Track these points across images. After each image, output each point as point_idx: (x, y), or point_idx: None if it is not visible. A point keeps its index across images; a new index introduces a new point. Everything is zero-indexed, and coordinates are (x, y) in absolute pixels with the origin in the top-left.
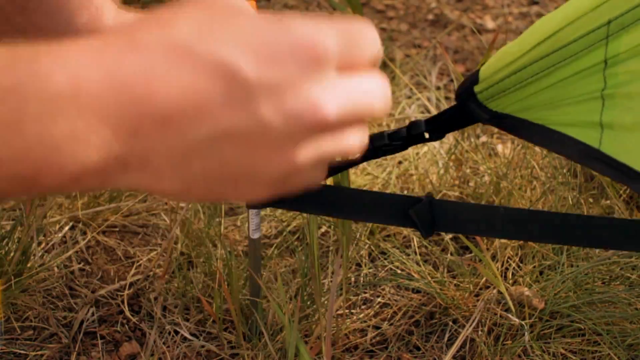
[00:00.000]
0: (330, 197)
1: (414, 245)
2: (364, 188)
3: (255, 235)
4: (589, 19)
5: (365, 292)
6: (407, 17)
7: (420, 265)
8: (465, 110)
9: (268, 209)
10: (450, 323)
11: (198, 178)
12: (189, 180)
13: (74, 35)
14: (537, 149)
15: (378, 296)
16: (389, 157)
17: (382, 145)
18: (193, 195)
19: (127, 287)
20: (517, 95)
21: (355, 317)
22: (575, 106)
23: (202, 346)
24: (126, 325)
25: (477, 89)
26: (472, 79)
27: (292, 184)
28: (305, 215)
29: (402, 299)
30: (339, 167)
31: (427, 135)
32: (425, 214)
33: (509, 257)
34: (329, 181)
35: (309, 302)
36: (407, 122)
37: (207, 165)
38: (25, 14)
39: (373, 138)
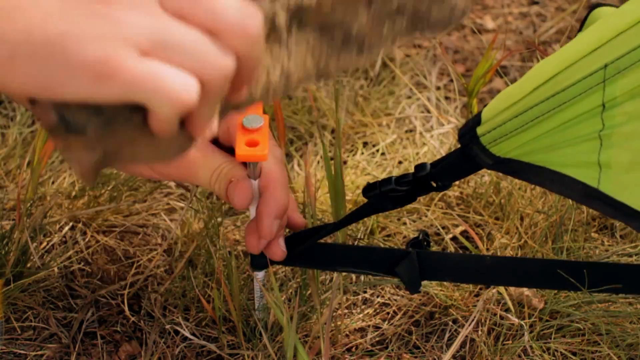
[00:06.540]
0: (321, 253)
1: None
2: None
3: (259, 303)
4: (586, 62)
5: (365, 292)
6: None
7: None
8: (469, 154)
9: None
10: (450, 323)
11: None
12: None
13: None
14: None
15: (378, 296)
16: (388, 157)
17: (389, 190)
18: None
19: (127, 287)
20: (519, 140)
21: (355, 317)
22: (574, 147)
23: (203, 346)
24: (126, 325)
25: (479, 130)
26: (475, 120)
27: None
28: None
29: (401, 298)
30: (350, 219)
31: (434, 185)
32: (411, 269)
33: None
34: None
35: (308, 302)
36: (407, 121)
37: None
38: None
39: (379, 183)
